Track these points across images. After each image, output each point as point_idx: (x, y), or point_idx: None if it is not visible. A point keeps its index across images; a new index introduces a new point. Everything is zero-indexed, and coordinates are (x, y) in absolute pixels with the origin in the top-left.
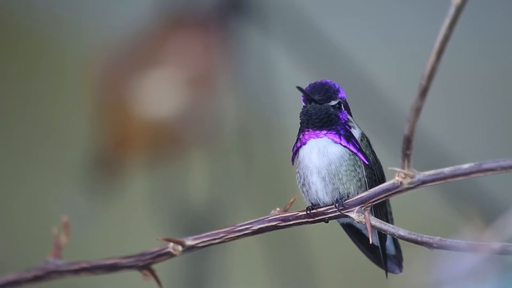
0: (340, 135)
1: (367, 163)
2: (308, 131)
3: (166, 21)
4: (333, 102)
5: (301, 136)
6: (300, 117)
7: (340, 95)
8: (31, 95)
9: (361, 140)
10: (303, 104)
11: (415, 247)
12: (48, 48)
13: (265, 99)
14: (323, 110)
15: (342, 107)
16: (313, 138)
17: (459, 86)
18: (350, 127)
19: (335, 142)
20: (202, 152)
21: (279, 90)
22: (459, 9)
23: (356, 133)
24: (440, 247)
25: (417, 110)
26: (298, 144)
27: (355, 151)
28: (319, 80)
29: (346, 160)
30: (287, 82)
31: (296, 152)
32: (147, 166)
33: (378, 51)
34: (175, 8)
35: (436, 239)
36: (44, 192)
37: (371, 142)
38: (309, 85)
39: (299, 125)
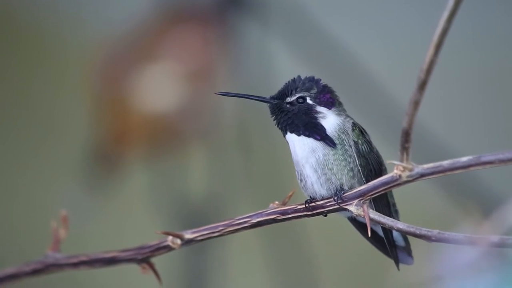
0: (304, 129)
1: (332, 146)
2: None
3: (165, 15)
4: (291, 98)
5: None
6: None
7: (307, 89)
8: (30, 89)
9: (353, 129)
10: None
11: (414, 240)
12: (47, 42)
13: (264, 93)
14: (276, 109)
15: (307, 100)
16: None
17: (458, 79)
18: (319, 118)
19: (300, 135)
20: (201, 146)
21: (278, 84)
22: (457, 2)
23: (330, 120)
24: (439, 240)
25: (416, 103)
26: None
27: (318, 138)
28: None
29: (332, 148)
30: (286, 76)
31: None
32: (146, 160)
33: (377, 46)
34: (175, 2)
35: (434, 232)
36: (43, 186)
37: (371, 135)
38: None
39: None
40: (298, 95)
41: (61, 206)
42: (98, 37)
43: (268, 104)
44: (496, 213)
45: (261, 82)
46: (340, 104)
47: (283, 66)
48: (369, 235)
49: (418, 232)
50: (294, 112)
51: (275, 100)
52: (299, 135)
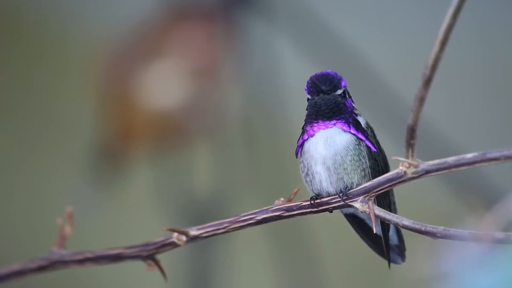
0: (349, 124)
1: (375, 150)
2: (317, 122)
3: (171, 12)
4: (339, 91)
5: (308, 128)
6: (308, 109)
7: (343, 84)
8: (35, 85)
9: (367, 129)
10: (308, 96)
11: (419, 237)
12: (52, 39)
13: (270, 90)
14: (332, 100)
15: (347, 95)
16: (322, 129)
17: (463, 75)
18: (356, 114)
19: (345, 131)
20: (206, 143)
21: (283, 81)
22: None
23: (362, 120)
24: (444, 236)
25: (421, 100)
26: (305, 137)
27: (363, 138)
28: (320, 71)
29: (351, 150)
30: (292, 73)
31: (301, 144)
32: (152, 157)
33: (382, 42)
34: None
35: (440, 228)
36: (48, 183)
37: (376, 132)
38: (313, 76)
39: (305, 118)
40: (342, 88)
41: (66, 203)
42: (103, 34)
43: (316, 96)
44: (497, 206)
45: (266, 79)
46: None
47: (288, 63)
48: (374, 231)
49: (423, 229)
50: (343, 103)
51: (329, 91)
52: (347, 130)
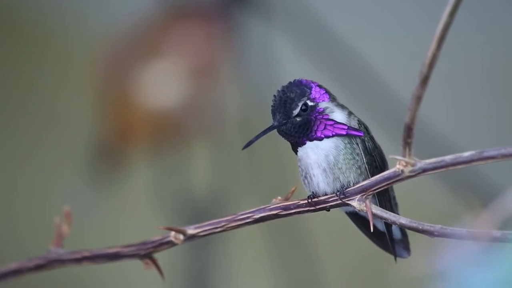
0: (321, 131)
1: (361, 134)
2: None
3: (169, 11)
4: (296, 110)
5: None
6: None
7: (303, 93)
8: (34, 84)
9: (359, 126)
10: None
11: (417, 236)
12: (50, 38)
13: (268, 89)
14: (291, 128)
15: (309, 104)
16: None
17: (460, 74)
18: (327, 114)
19: (322, 139)
20: (204, 142)
21: (281, 81)
22: None
23: (338, 115)
24: (441, 235)
25: (418, 98)
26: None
27: (343, 133)
28: (278, 90)
29: (342, 149)
30: (290, 73)
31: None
32: (150, 156)
33: (380, 41)
34: None
35: (437, 227)
36: (47, 182)
37: (373, 130)
38: (272, 101)
39: None
40: (300, 104)
41: (64, 202)
42: (101, 32)
43: (278, 129)
44: (494, 204)
45: (264, 78)
46: (333, 97)
47: (287, 62)
48: (371, 230)
49: (420, 227)
50: (305, 121)
51: (284, 121)
52: (311, 140)
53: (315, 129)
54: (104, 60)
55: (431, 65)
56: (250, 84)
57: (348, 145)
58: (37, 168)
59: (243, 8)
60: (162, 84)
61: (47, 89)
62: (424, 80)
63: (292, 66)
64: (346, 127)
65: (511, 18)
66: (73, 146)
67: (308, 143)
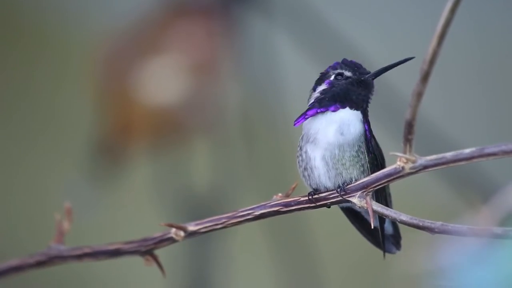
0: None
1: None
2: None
3: (169, 7)
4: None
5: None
6: (327, 93)
7: None
8: (34, 81)
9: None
10: (329, 81)
11: (417, 232)
12: (50, 34)
13: (268, 86)
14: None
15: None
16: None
17: (461, 71)
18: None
19: (361, 121)
20: (205, 138)
21: (282, 78)
22: None
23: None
24: (442, 232)
25: (419, 95)
26: (323, 109)
27: (369, 136)
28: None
29: (353, 146)
30: (290, 70)
31: (305, 117)
32: (150, 152)
33: (380, 38)
34: None
35: (437, 224)
36: (47, 179)
37: (373, 127)
38: (345, 62)
39: (313, 101)
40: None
41: (64, 198)
42: (101, 29)
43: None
44: (495, 200)
45: (265, 75)
46: None
47: (287, 59)
48: (372, 227)
49: (421, 224)
50: (367, 89)
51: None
52: (345, 108)
53: (363, 106)
54: (104, 57)
55: (432, 62)
56: (250, 81)
57: (358, 143)
58: (37, 164)
59: (244, 5)
60: (162, 81)
61: (47, 86)
62: (425, 77)
63: (292, 63)
64: (371, 134)
65: (511, 15)
66: (74, 143)
67: (343, 117)
